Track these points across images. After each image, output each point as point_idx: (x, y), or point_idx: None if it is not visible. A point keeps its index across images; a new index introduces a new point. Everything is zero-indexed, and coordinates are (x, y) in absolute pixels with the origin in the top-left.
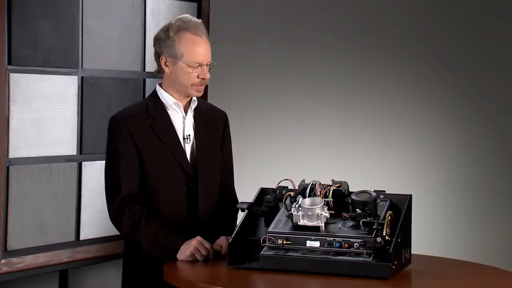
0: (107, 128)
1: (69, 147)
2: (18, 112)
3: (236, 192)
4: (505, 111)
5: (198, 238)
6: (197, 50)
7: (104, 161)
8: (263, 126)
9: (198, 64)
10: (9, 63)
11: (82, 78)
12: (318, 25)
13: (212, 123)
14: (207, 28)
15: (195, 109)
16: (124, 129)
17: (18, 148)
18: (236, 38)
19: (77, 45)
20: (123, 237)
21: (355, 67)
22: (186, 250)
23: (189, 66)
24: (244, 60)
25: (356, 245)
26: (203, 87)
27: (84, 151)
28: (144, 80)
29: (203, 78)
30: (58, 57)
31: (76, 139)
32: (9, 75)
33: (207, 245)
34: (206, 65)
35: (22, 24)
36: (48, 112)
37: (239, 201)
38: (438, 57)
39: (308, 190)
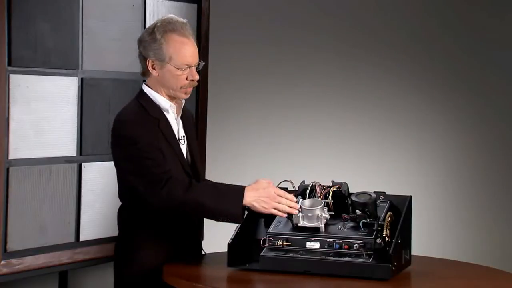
0: (114, 131)
1: (69, 148)
2: (18, 113)
3: None
4: (505, 113)
5: (269, 181)
6: (186, 52)
7: (102, 163)
8: (263, 127)
9: (187, 66)
10: (9, 64)
11: (82, 79)
12: (318, 26)
13: (191, 123)
14: (207, 28)
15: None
16: (143, 128)
17: (18, 149)
18: (235, 39)
19: (77, 46)
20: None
21: (355, 68)
22: (264, 198)
23: (178, 69)
24: (243, 61)
25: (356, 246)
26: (191, 89)
27: (84, 152)
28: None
29: (192, 80)
30: (58, 58)
31: (76, 140)
32: (9, 76)
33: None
34: (194, 66)
35: (22, 25)
36: (48, 113)
37: None
38: (438, 59)
39: (308, 191)
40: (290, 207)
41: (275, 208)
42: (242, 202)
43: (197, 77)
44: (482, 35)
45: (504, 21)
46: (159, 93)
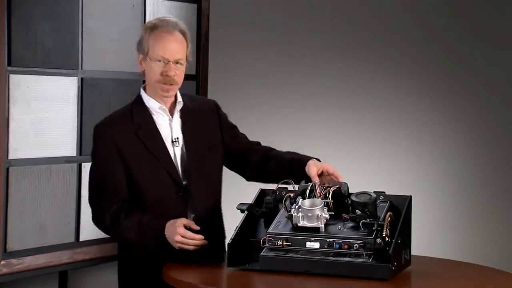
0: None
1: (69, 148)
2: (18, 113)
3: (236, 193)
4: (505, 113)
5: (182, 222)
6: (162, 44)
7: None
8: (262, 127)
9: (161, 59)
10: (9, 64)
11: (82, 79)
12: (317, 27)
13: (202, 119)
14: (207, 28)
15: (181, 109)
16: (108, 138)
17: (18, 149)
18: (235, 39)
19: (77, 46)
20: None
21: (354, 68)
22: (173, 236)
23: (152, 60)
24: (243, 61)
25: (356, 246)
26: (170, 87)
27: (84, 152)
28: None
29: (167, 75)
30: (58, 58)
31: (76, 140)
32: (9, 76)
33: (191, 234)
34: (174, 62)
35: (22, 25)
36: (48, 113)
37: (239, 202)
38: (437, 59)
39: (308, 191)
40: (195, 244)
41: (180, 248)
42: (162, 241)
43: (171, 73)
44: (482, 35)
45: (504, 21)
46: (150, 96)
